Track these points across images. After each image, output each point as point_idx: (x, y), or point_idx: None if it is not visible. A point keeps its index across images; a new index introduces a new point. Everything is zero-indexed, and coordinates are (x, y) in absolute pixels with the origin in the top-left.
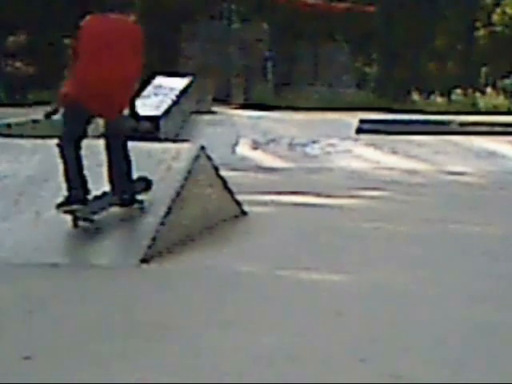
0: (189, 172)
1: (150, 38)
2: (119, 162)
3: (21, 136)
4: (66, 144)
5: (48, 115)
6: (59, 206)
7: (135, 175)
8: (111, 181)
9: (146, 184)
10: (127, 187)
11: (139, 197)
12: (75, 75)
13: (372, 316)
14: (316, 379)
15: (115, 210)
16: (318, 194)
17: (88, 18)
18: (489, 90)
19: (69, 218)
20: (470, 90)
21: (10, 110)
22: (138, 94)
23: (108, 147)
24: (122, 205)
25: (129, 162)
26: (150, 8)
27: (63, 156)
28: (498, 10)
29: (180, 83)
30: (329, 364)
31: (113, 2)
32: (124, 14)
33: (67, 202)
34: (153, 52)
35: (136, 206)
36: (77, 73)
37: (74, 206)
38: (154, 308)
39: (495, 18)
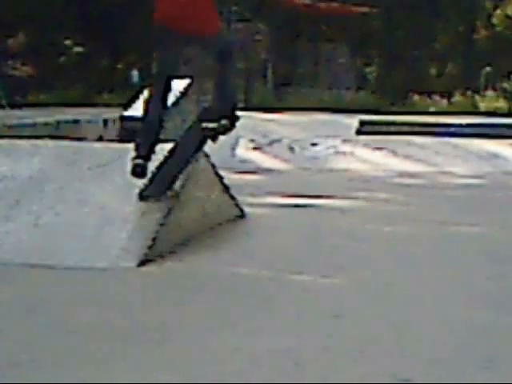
0: (188, 173)
1: (149, 40)
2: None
3: (20, 137)
4: (154, 95)
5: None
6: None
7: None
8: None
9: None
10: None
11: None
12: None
13: (372, 316)
14: (316, 379)
15: (115, 209)
16: (318, 196)
17: None
18: (489, 91)
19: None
20: (469, 92)
21: (10, 112)
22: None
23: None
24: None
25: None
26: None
27: (147, 105)
28: (498, 12)
29: (180, 85)
30: (329, 364)
31: None
32: None
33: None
34: (152, 54)
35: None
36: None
37: (138, 161)
38: (153, 309)
39: (495, 19)
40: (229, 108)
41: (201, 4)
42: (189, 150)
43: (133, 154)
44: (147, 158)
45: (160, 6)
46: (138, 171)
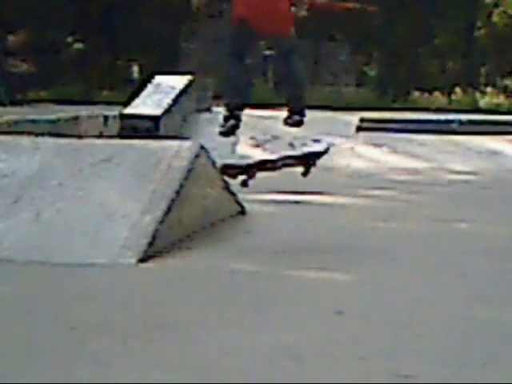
0: (189, 171)
1: (149, 37)
2: (290, 72)
3: (21, 133)
4: (230, 59)
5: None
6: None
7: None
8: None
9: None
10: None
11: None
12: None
13: (372, 313)
14: (316, 378)
15: (115, 206)
16: (319, 193)
17: None
18: (489, 88)
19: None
20: (470, 89)
21: (10, 109)
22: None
23: (283, 66)
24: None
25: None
26: (149, 7)
27: (227, 70)
28: (499, 9)
29: (180, 82)
30: (329, 362)
31: None
32: None
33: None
34: (152, 51)
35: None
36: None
37: (231, 122)
38: (153, 307)
39: (496, 17)
40: (298, 96)
41: (279, 8)
42: None
43: (224, 113)
44: (238, 118)
45: (239, 6)
46: (230, 132)
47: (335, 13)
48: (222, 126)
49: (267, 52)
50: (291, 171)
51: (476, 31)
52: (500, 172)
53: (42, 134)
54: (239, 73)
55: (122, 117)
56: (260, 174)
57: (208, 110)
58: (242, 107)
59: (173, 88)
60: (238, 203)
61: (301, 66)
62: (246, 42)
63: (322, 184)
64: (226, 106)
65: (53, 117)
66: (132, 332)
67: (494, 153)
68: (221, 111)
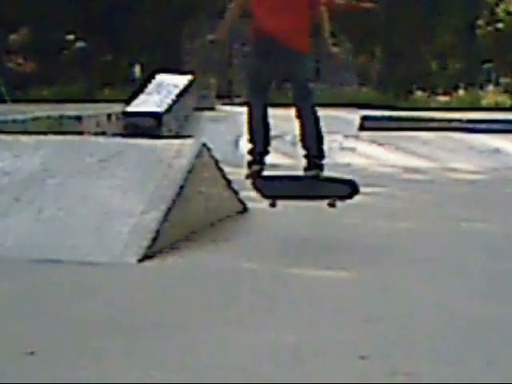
0: (191, 169)
1: (151, 35)
2: (309, 118)
3: (23, 132)
4: (253, 94)
5: (212, 41)
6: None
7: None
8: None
9: (351, 190)
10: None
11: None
12: (255, 13)
13: (372, 313)
14: (317, 377)
15: (117, 204)
16: None
17: None
18: (491, 87)
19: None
20: (472, 87)
21: (11, 107)
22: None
23: (297, 105)
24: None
25: (316, 120)
26: (151, 6)
27: (249, 107)
28: (501, 7)
29: (182, 80)
30: (330, 362)
31: None
32: None
33: (248, 166)
34: (154, 50)
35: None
36: (255, 11)
37: (254, 167)
38: (155, 306)
39: (498, 15)
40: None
41: (297, 21)
42: None
43: (248, 158)
44: (262, 162)
45: (259, 18)
46: (255, 176)
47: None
48: (248, 168)
49: None
50: (294, 170)
51: (478, 29)
52: (502, 170)
53: (44, 133)
54: (261, 118)
55: (125, 115)
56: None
57: (210, 108)
58: (264, 153)
59: (175, 86)
60: (240, 202)
61: (318, 113)
62: (269, 59)
63: None
64: (250, 152)
65: (55, 115)
66: (133, 331)
67: (497, 151)
68: (224, 110)
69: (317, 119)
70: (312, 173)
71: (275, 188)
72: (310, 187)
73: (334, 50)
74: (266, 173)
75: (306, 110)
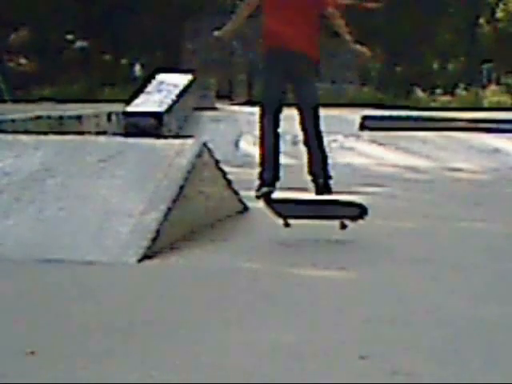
0: (191, 168)
1: (152, 35)
2: (313, 139)
3: (23, 132)
4: (266, 112)
5: (217, 38)
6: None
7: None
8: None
9: (360, 211)
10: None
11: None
12: (265, 24)
13: (372, 314)
14: (317, 377)
15: (117, 204)
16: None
17: None
18: (492, 86)
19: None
20: (472, 87)
21: (12, 107)
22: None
23: (302, 121)
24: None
25: (321, 142)
26: (152, 5)
27: (262, 127)
28: (501, 7)
29: (183, 80)
30: (330, 361)
31: None
32: None
33: (258, 188)
34: (155, 49)
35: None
36: (266, 21)
37: (264, 189)
38: (154, 305)
39: (498, 14)
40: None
41: (307, 33)
42: None
43: (258, 181)
44: (273, 185)
45: (269, 30)
46: (267, 198)
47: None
48: (257, 191)
49: None
50: (291, 170)
51: (478, 29)
52: (502, 170)
53: (45, 133)
54: (271, 143)
55: (125, 114)
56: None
57: (210, 107)
58: (275, 179)
59: (175, 86)
60: (241, 201)
61: (315, 138)
62: (280, 71)
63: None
64: (259, 175)
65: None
66: (132, 331)
67: (497, 151)
68: (224, 109)
69: (321, 141)
70: (322, 196)
71: (287, 209)
72: (321, 209)
73: (356, 47)
74: (277, 194)
75: (311, 135)
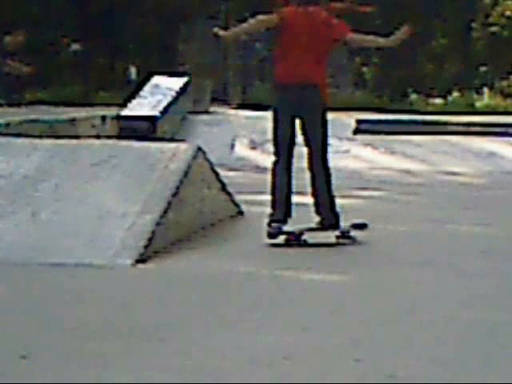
0: (186, 172)
1: (147, 38)
2: (318, 169)
3: (18, 135)
4: (279, 151)
5: (217, 35)
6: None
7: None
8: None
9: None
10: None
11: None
12: (278, 62)
13: (371, 316)
14: (315, 379)
15: (112, 207)
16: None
17: (287, 9)
18: (486, 90)
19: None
20: (467, 91)
21: (5, 110)
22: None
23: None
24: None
25: (329, 177)
26: (147, 8)
27: (274, 170)
28: (496, 11)
29: (177, 83)
30: (328, 364)
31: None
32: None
33: (269, 223)
34: (150, 52)
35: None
36: (280, 56)
37: (275, 225)
38: (151, 308)
39: (493, 18)
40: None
41: (318, 70)
42: None
43: (268, 219)
44: (284, 222)
45: (282, 68)
46: (275, 234)
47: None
48: (269, 225)
49: (265, 53)
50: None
51: (473, 33)
52: (497, 173)
53: (40, 136)
54: (284, 183)
55: (120, 118)
56: (258, 175)
57: (205, 111)
58: (285, 219)
59: (170, 89)
60: (236, 204)
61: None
62: (289, 110)
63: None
64: (270, 216)
65: (50, 118)
66: (130, 333)
67: (492, 154)
68: (219, 113)
69: (329, 183)
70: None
71: None
72: None
73: (396, 37)
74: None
75: (319, 177)
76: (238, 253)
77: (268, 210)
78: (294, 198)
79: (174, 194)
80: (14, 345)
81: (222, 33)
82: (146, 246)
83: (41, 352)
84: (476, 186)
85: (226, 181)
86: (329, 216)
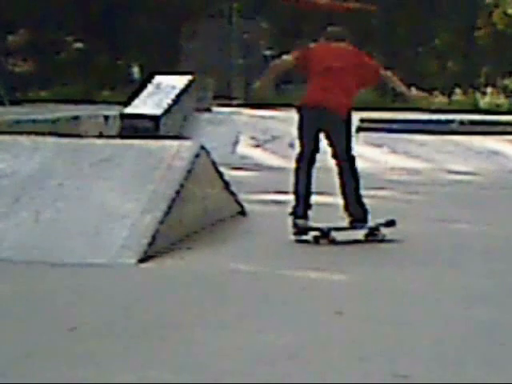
0: (189, 171)
1: (150, 37)
2: (347, 177)
3: (20, 133)
4: (302, 157)
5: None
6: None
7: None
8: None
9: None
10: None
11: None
12: (308, 86)
13: (372, 315)
14: (316, 379)
15: (115, 206)
16: (319, 193)
17: (316, 45)
18: (489, 89)
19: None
20: (470, 89)
21: (9, 109)
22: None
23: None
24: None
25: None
26: (150, 7)
27: (297, 173)
28: (499, 10)
29: (180, 82)
30: (329, 363)
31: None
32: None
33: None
34: (153, 51)
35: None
36: (309, 84)
37: (298, 221)
38: (153, 306)
39: (496, 17)
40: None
41: (342, 95)
42: None
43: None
44: (306, 217)
45: (310, 91)
46: (302, 230)
47: (336, 13)
48: (294, 225)
49: (267, 52)
50: (292, 172)
51: (476, 31)
52: (500, 172)
53: (43, 134)
54: (304, 187)
55: (123, 117)
56: (260, 173)
57: (208, 109)
58: (306, 212)
59: (173, 88)
60: (238, 203)
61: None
62: (312, 127)
63: (322, 184)
64: (293, 211)
65: (53, 116)
66: (132, 332)
67: (494, 153)
68: (222, 111)
69: (357, 186)
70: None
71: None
72: None
73: (413, 93)
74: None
75: (349, 187)
76: (240, 251)
77: (273, 208)
78: (318, 198)
79: (177, 193)
80: (15, 344)
81: (256, 86)
82: (148, 246)
83: (42, 351)
84: (478, 185)
85: (228, 179)
86: (358, 211)
